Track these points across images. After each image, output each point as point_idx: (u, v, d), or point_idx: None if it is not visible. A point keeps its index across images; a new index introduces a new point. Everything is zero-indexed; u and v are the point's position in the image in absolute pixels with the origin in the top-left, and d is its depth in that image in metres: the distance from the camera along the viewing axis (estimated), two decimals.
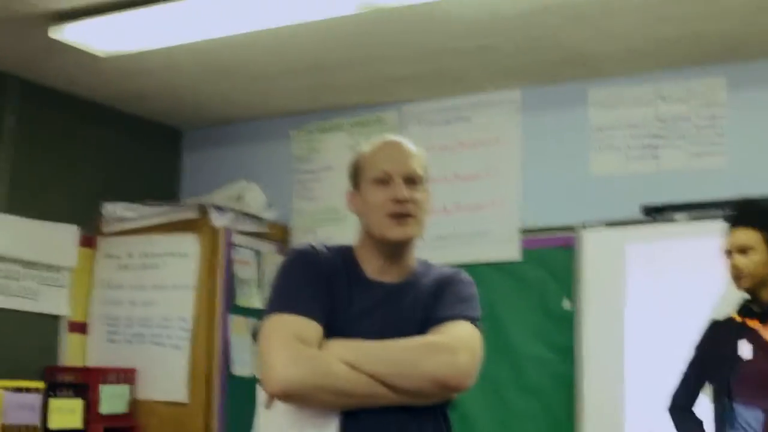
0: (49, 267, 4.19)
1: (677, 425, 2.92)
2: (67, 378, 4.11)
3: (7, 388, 3.76)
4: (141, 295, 4.33)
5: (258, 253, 4.47)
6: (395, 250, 1.87)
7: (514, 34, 3.63)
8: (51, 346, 4.22)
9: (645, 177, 3.98)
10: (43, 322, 4.19)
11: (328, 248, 1.90)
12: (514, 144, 4.26)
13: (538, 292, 4.07)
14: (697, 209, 3.77)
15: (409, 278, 1.89)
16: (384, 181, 1.86)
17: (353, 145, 4.52)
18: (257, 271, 4.45)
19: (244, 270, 4.37)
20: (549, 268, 4.07)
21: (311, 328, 1.75)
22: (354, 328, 1.79)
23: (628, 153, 4.03)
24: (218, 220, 4.26)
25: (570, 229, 4.01)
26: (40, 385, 3.89)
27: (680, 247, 3.70)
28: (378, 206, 1.84)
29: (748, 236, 2.72)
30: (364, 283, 1.86)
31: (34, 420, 3.81)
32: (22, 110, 4.20)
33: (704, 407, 2.85)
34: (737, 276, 2.74)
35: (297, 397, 1.70)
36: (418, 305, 1.85)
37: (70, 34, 3.53)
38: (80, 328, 4.38)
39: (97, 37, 3.58)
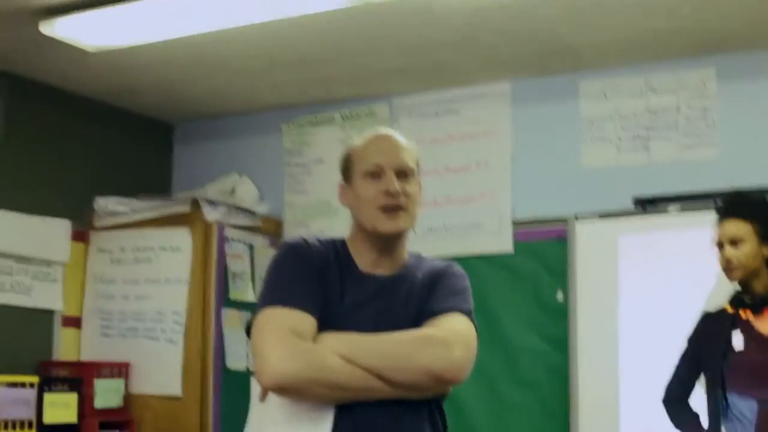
0: (42, 262, 4.19)
1: (672, 417, 2.94)
2: (62, 372, 4.11)
3: (1, 383, 3.76)
4: (134, 290, 4.33)
5: (251, 246, 4.48)
6: (387, 243, 1.88)
7: (504, 26, 3.63)
8: (45, 341, 4.22)
9: (636, 169, 3.99)
10: (36, 317, 4.18)
11: (321, 241, 1.90)
12: (504, 136, 4.27)
13: (531, 284, 4.08)
14: (689, 200, 3.79)
15: (402, 271, 1.90)
16: (375, 174, 1.86)
17: (344, 138, 4.52)
18: (250, 264, 4.45)
19: (237, 264, 4.37)
20: (542, 260, 4.07)
21: (305, 321, 1.75)
22: (347, 321, 1.79)
23: (620, 145, 4.05)
24: (210, 214, 4.26)
25: (562, 221, 4.02)
26: (34, 379, 3.89)
27: (673, 239, 3.71)
28: (369, 199, 1.85)
29: (738, 228, 2.72)
30: (357, 277, 1.87)
31: (29, 415, 3.81)
32: (12, 105, 4.19)
33: (699, 399, 2.87)
34: (729, 268, 2.74)
35: (292, 391, 1.71)
36: (411, 298, 1.86)
37: (60, 28, 3.52)
38: (74, 322, 4.38)
39: (87, 31, 3.57)
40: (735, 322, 2.76)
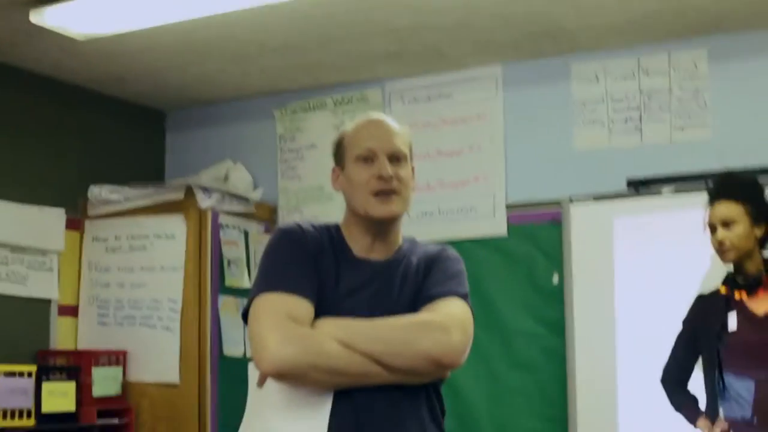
0: (37, 251, 4.19)
1: (670, 398, 2.95)
2: (59, 361, 4.12)
3: None
4: (129, 277, 4.33)
5: (245, 233, 4.48)
6: (381, 228, 1.88)
7: (495, 10, 3.63)
8: (42, 330, 4.22)
9: (629, 151, 4.00)
10: (33, 306, 4.18)
11: (315, 227, 1.90)
12: (497, 120, 4.27)
13: (526, 267, 4.09)
14: (683, 182, 3.80)
15: (397, 256, 1.90)
16: (368, 158, 1.86)
17: (337, 123, 4.51)
18: (245, 251, 4.45)
19: (232, 250, 4.38)
20: (536, 242, 4.08)
21: (302, 306, 1.76)
22: (342, 306, 1.79)
23: (612, 127, 4.05)
24: (204, 201, 4.26)
25: (556, 203, 4.03)
26: (32, 368, 3.89)
27: (667, 220, 3.72)
28: (362, 184, 1.85)
29: (730, 209, 2.72)
30: (352, 262, 1.87)
31: (27, 404, 3.81)
32: (3, 95, 4.17)
33: (697, 380, 2.88)
34: (722, 250, 2.74)
35: (290, 376, 1.71)
36: (407, 283, 1.86)
37: (50, 17, 3.50)
38: (70, 311, 4.38)
39: (76, 20, 3.55)
40: (729, 303, 2.76)
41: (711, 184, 2.93)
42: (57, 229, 4.30)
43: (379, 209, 1.84)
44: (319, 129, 4.62)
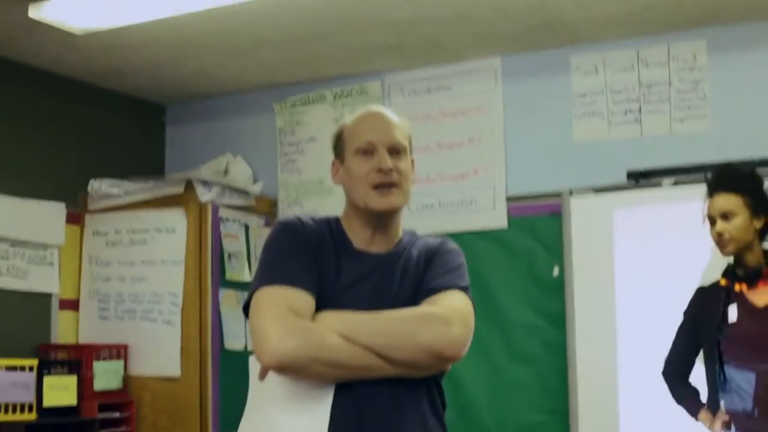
0: (37, 245, 4.19)
1: (672, 391, 2.95)
2: (60, 355, 4.13)
3: (0, 367, 3.77)
4: (130, 271, 4.33)
5: (246, 226, 4.48)
6: (381, 221, 1.88)
7: (494, 2, 3.62)
8: (43, 324, 4.23)
9: (628, 142, 4.00)
10: (34, 301, 4.19)
11: (315, 220, 1.90)
12: (497, 112, 4.27)
13: (527, 259, 4.09)
14: (682, 173, 3.80)
15: (397, 248, 1.90)
16: (368, 151, 1.86)
17: (337, 116, 4.51)
18: (246, 244, 4.46)
19: (233, 244, 4.38)
20: (536, 235, 4.08)
21: (303, 299, 1.76)
22: (343, 299, 1.79)
23: (611, 119, 4.05)
24: (204, 195, 4.26)
25: (557, 195, 4.03)
26: (33, 362, 3.89)
27: (668, 212, 3.72)
28: (362, 177, 1.85)
29: (728, 201, 2.71)
30: (352, 254, 1.87)
31: (29, 398, 3.82)
32: (2, 89, 4.17)
33: (698, 373, 2.88)
34: (721, 242, 2.74)
35: (292, 370, 1.71)
36: (407, 275, 1.86)
37: (49, 11, 3.50)
38: (71, 305, 4.38)
39: (75, 14, 3.55)
40: (729, 295, 2.76)
41: (709, 177, 2.92)
42: (57, 224, 4.30)
43: (379, 202, 1.84)
44: (319, 122, 4.62)
